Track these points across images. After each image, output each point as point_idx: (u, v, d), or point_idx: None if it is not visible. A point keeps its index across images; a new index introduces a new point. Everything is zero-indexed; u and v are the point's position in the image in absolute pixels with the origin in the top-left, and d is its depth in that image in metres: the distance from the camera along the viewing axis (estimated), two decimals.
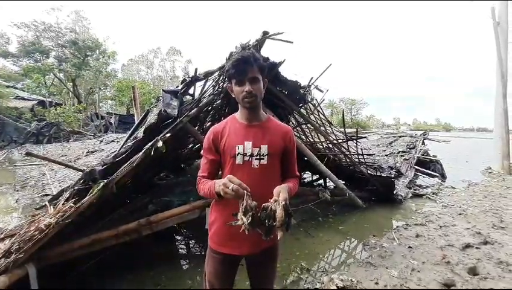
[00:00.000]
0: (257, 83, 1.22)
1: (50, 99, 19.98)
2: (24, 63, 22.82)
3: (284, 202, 1.05)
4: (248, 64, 1.19)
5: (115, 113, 22.87)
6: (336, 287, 2.29)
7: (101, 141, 11.96)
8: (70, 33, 24.16)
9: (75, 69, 22.61)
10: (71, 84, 24.18)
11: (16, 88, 21.78)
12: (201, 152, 1.36)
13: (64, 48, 23.54)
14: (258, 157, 1.24)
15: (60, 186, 5.90)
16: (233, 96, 1.28)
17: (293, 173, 1.39)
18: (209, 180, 1.25)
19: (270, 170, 1.28)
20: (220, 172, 1.35)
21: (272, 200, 1.07)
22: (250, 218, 1.01)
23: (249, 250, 1.25)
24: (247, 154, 1.24)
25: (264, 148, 1.25)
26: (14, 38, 22.87)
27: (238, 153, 1.24)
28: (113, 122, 19.44)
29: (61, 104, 19.73)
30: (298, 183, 1.38)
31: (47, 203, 2.39)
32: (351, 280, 2.41)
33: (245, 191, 1.05)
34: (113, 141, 11.53)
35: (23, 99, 19.16)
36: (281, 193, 1.10)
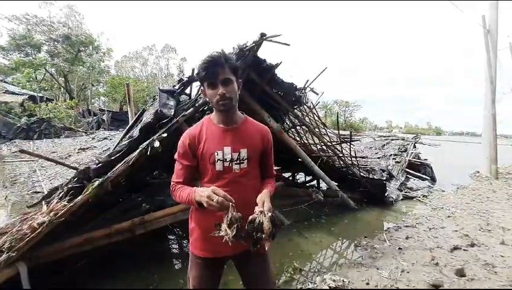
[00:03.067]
0: (230, 84, 1.17)
1: (41, 95, 19.55)
2: (15, 56, 22.28)
3: (269, 214, 1.06)
4: (218, 65, 1.13)
5: (107, 110, 22.51)
6: (328, 288, 2.33)
7: (93, 138, 11.78)
8: (63, 28, 23.69)
9: (68, 64, 22.19)
10: (63, 79, 23.73)
11: (6, 82, 21.21)
12: (175, 156, 1.30)
13: (56, 43, 23.05)
14: (238, 161, 1.22)
15: (50, 183, 5.80)
16: (207, 100, 1.24)
17: (270, 173, 1.40)
18: (186, 187, 1.21)
19: (251, 172, 1.27)
20: (198, 175, 1.32)
21: (257, 211, 1.07)
22: (234, 230, 1.01)
23: (232, 250, 1.17)
24: (227, 160, 1.21)
25: (244, 152, 1.23)
26: (4, 31, 22.32)
27: (218, 160, 1.20)
28: (105, 119, 19.15)
29: (52, 100, 19.34)
30: (275, 182, 1.40)
31: (43, 202, 2.35)
32: (343, 280, 2.45)
33: (230, 203, 1.03)
34: (105, 138, 11.37)
35: (13, 93, 18.66)
36: (265, 202, 1.10)
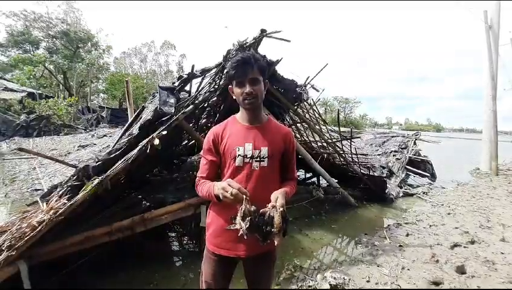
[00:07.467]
0: (257, 84, 1.21)
1: (40, 92, 19.45)
2: (13, 53, 22.13)
3: (281, 209, 1.06)
4: (248, 65, 1.18)
5: (107, 107, 22.46)
6: (328, 285, 2.33)
7: (93, 135, 11.75)
8: (62, 24, 23.51)
9: (67, 61, 22.06)
10: (62, 76, 23.61)
11: (5, 79, 21.09)
12: (201, 153, 1.35)
13: (55, 39, 22.91)
14: (258, 159, 1.24)
15: (50, 181, 5.80)
16: (234, 97, 1.27)
17: (291, 175, 1.39)
18: (208, 182, 1.25)
19: (270, 172, 1.27)
20: (220, 171, 1.35)
21: (269, 206, 1.08)
22: (248, 223, 1.02)
23: (245, 253, 1.24)
24: (248, 156, 1.23)
25: (265, 150, 1.25)
26: (2, 28, 22.18)
27: (239, 155, 1.23)
28: (105, 116, 19.11)
29: (52, 97, 19.25)
30: (296, 185, 1.38)
31: (39, 199, 2.34)
32: (344, 277, 2.45)
33: (244, 196, 1.05)
34: (105, 135, 11.35)
35: (12, 90, 18.58)
36: (278, 198, 1.11)
